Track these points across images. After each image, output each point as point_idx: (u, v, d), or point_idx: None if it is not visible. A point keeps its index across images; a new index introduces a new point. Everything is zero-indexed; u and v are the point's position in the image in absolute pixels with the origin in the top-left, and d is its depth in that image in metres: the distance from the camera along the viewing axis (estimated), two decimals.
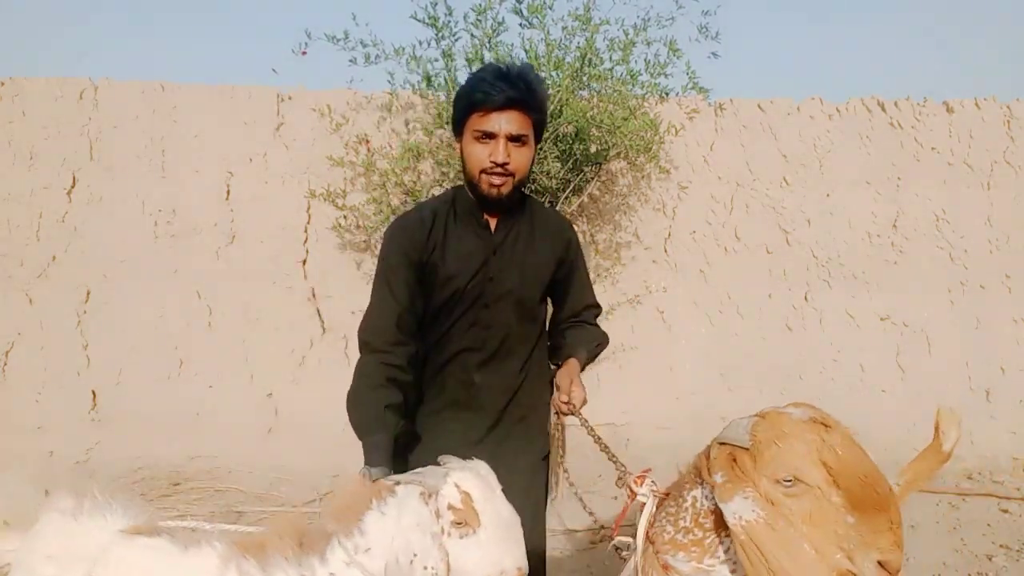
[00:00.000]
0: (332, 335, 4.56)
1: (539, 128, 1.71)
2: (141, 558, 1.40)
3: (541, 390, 1.90)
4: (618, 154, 4.04)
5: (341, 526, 1.37)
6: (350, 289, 4.58)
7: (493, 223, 1.76)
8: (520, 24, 3.75)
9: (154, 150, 4.50)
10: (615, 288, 4.69)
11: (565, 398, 1.72)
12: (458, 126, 1.70)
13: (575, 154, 3.88)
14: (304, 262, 4.59)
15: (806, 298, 4.92)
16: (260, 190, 4.56)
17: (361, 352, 1.68)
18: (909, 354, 4.87)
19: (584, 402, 1.74)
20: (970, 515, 3.87)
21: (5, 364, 4.30)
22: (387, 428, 1.55)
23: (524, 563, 1.37)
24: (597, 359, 1.89)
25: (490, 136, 1.63)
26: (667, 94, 3.94)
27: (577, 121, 3.71)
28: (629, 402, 4.80)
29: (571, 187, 3.95)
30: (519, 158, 1.65)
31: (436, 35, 3.81)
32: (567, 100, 3.66)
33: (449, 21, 3.77)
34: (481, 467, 1.42)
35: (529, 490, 1.85)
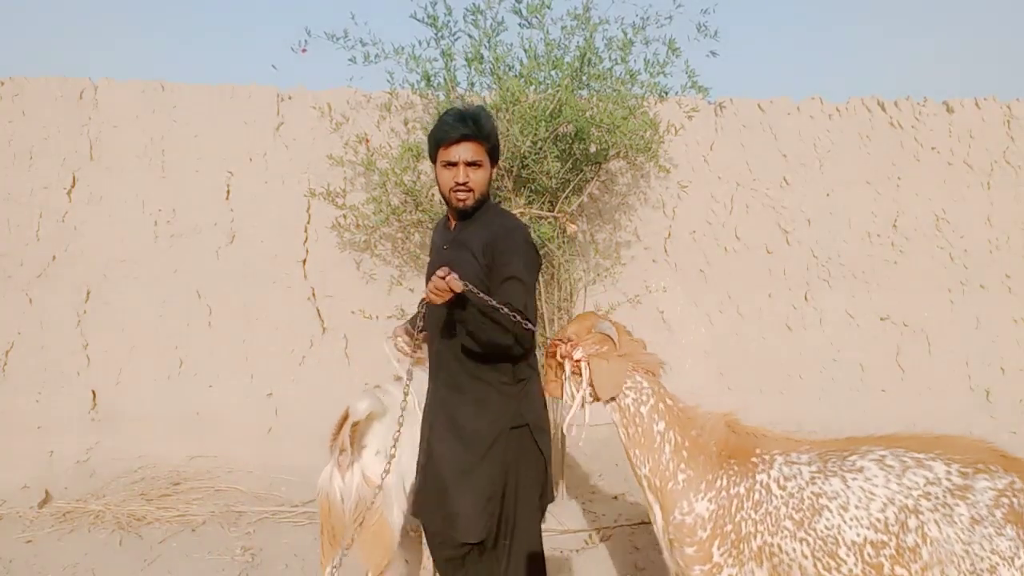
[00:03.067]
0: (332, 335, 4.56)
1: (493, 152, 2.21)
2: None
3: (493, 368, 2.16)
4: (617, 154, 4.04)
5: None
6: (350, 289, 4.58)
7: (455, 224, 2.26)
8: (519, 24, 3.76)
9: (154, 150, 4.50)
10: (615, 288, 4.69)
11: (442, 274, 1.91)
12: (432, 158, 2.23)
13: (575, 154, 3.88)
14: (304, 262, 4.59)
15: (806, 298, 4.92)
16: (260, 190, 4.56)
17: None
18: (909, 354, 4.87)
19: (456, 283, 1.90)
20: None
21: (5, 364, 4.29)
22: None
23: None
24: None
25: (453, 164, 2.14)
26: (666, 93, 3.94)
27: (576, 121, 3.71)
28: None
29: (571, 187, 3.95)
30: (476, 178, 2.16)
31: (436, 35, 3.81)
32: (566, 100, 3.66)
33: (448, 21, 3.78)
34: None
35: (456, 454, 2.15)
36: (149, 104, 4.51)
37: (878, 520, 1.70)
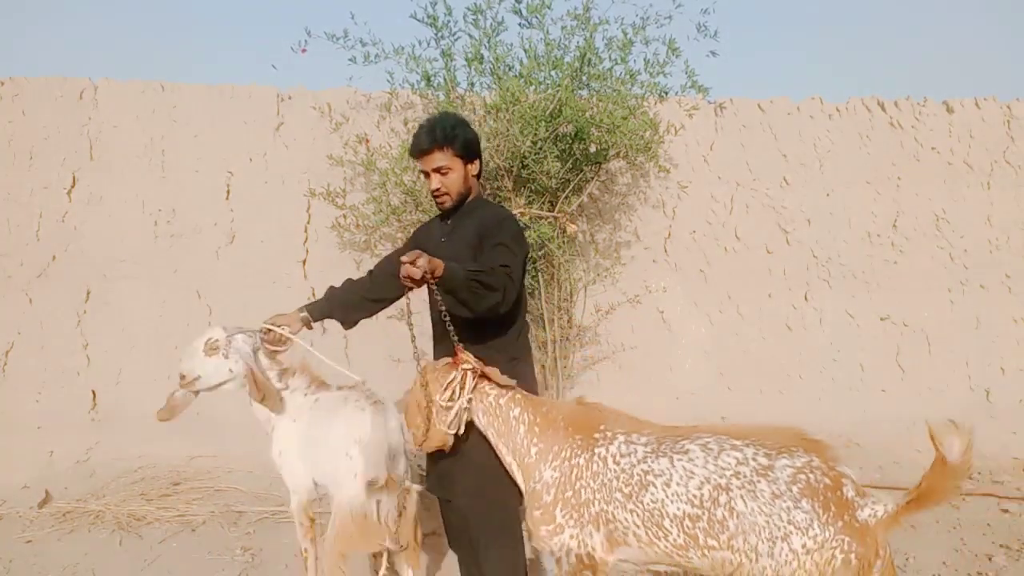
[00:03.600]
0: (332, 335, 4.56)
1: (466, 150, 2.34)
2: None
3: (488, 347, 2.29)
4: (617, 154, 4.04)
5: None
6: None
7: (449, 221, 2.47)
8: (519, 24, 3.76)
9: (154, 150, 4.50)
10: (615, 288, 4.69)
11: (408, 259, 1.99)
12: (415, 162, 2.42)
13: (575, 154, 3.88)
14: (304, 262, 4.59)
15: (806, 298, 4.92)
16: (260, 190, 4.56)
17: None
18: (909, 354, 4.87)
19: (429, 264, 1.97)
20: (970, 515, 3.87)
21: (5, 364, 4.30)
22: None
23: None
24: (482, 292, 2.07)
25: (427, 173, 2.36)
26: (666, 93, 3.94)
27: (576, 121, 3.71)
28: (629, 402, 4.75)
29: (571, 187, 3.96)
30: (448, 181, 2.36)
31: (436, 35, 3.82)
32: (567, 100, 3.66)
33: (448, 21, 3.78)
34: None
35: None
36: (149, 104, 4.51)
37: (695, 496, 1.87)
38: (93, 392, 4.33)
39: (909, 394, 4.84)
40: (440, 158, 2.32)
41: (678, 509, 1.88)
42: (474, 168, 2.41)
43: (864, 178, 4.93)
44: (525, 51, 3.73)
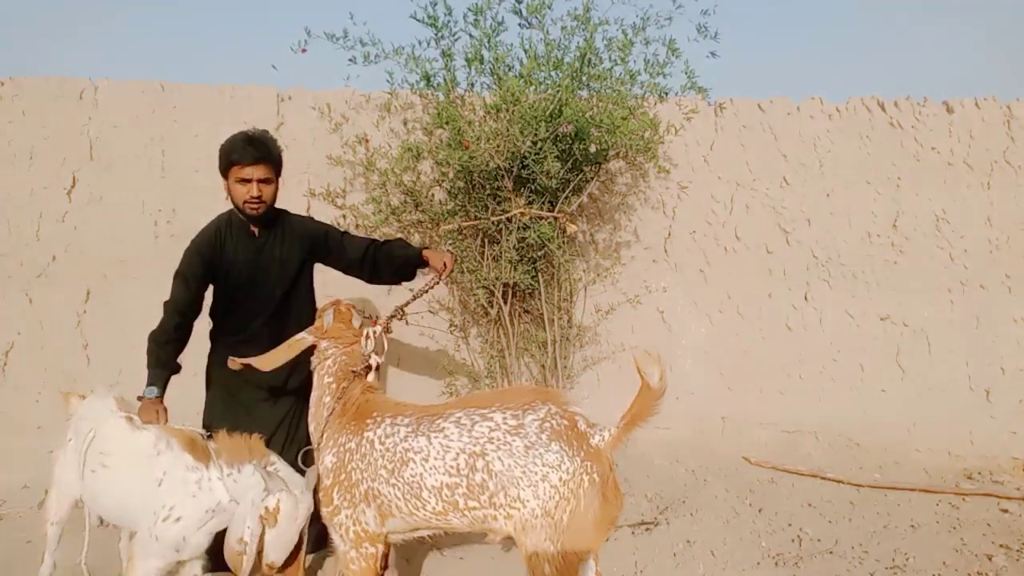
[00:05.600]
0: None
1: (278, 170, 2.79)
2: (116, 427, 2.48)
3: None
4: (617, 154, 4.04)
5: (230, 457, 2.27)
6: (350, 289, 4.58)
7: (258, 231, 2.83)
8: (519, 24, 3.76)
9: (154, 150, 4.50)
10: (615, 288, 4.69)
11: (447, 259, 2.87)
12: (224, 173, 2.74)
13: (575, 154, 3.88)
14: None
15: (806, 298, 4.92)
16: (265, 185, 4.55)
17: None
18: (909, 354, 4.87)
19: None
20: (970, 515, 3.87)
21: (5, 364, 4.30)
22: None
23: (279, 562, 2.23)
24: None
25: (247, 180, 2.68)
26: (666, 94, 3.94)
27: (577, 121, 3.71)
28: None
29: (571, 187, 3.96)
30: (267, 192, 2.74)
31: (435, 35, 3.81)
32: (567, 100, 3.66)
33: (448, 21, 3.78)
34: (300, 487, 2.27)
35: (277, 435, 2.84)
36: (149, 104, 4.51)
37: (452, 467, 2.15)
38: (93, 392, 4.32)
39: (909, 394, 4.84)
40: (264, 171, 2.70)
41: (436, 480, 2.16)
42: (279, 184, 2.83)
43: (864, 178, 4.93)
44: (525, 51, 3.73)
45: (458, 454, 2.14)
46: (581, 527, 2.06)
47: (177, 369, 2.73)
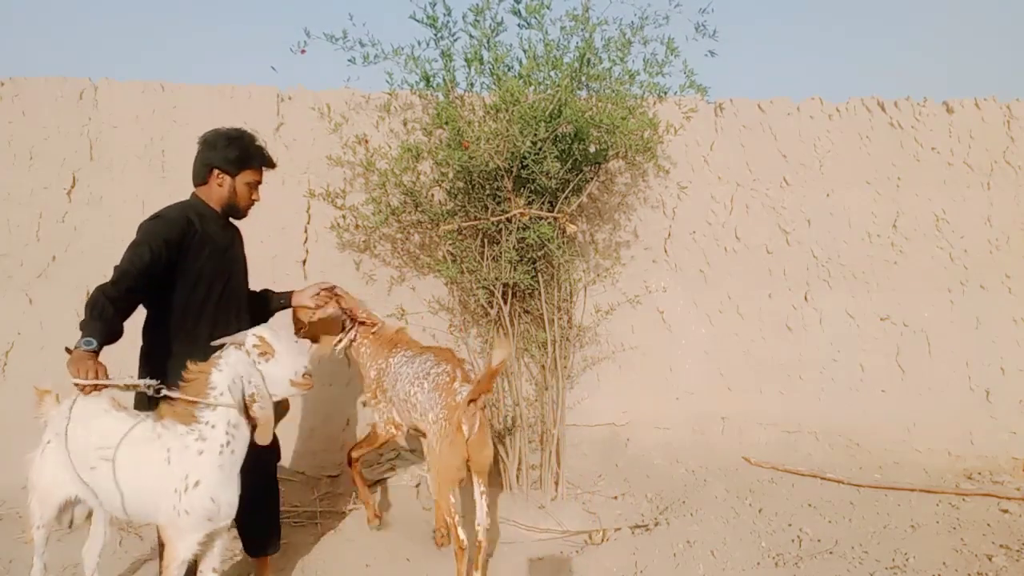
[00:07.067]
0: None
1: None
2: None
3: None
4: (616, 154, 4.04)
5: (199, 393, 2.33)
6: (350, 289, 4.56)
7: (225, 229, 2.83)
8: (518, 24, 3.75)
9: (154, 150, 4.50)
10: (615, 288, 4.69)
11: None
12: (234, 170, 2.75)
13: (574, 154, 3.88)
14: (304, 262, 4.59)
15: (806, 298, 4.92)
16: (260, 190, 4.55)
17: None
18: (909, 354, 4.87)
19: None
20: (970, 515, 3.87)
21: (5, 364, 4.30)
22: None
23: (308, 366, 2.45)
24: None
25: (255, 184, 2.83)
26: (665, 93, 3.94)
27: (576, 121, 3.71)
28: (629, 402, 4.80)
29: (571, 187, 3.95)
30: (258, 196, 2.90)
31: (435, 35, 3.81)
32: (566, 100, 3.65)
33: (448, 21, 3.77)
34: (266, 327, 2.51)
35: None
36: (149, 104, 4.51)
37: (406, 390, 3.22)
38: None
39: (909, 394, 4.84)
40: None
41: (403, 394, 3.21)
42: None
43: (864, 178, 4.93)
44: (524, 51, 3.73)
45: (408, 383, 3.20)
46: (445, 457, 2.97)
47: (118, 335, 2.31)
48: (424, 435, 3.21)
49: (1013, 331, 4.87)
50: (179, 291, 2.61)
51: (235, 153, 2.72)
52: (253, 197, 2.81)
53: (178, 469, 2.28)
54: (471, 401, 2.96)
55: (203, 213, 2.71)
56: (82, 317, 2.24)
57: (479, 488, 3.11)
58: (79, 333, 2.26)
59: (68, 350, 2.23)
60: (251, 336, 2.40)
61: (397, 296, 4.54)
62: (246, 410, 2.37)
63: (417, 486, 4.21)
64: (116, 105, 4.48)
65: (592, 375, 4.73)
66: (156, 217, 2.58)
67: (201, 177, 2.75)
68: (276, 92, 4.63)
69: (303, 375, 2.40)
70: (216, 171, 2.72)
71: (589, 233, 4.76)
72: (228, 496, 2.34)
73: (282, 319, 3.32)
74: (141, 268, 2.38)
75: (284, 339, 2.44)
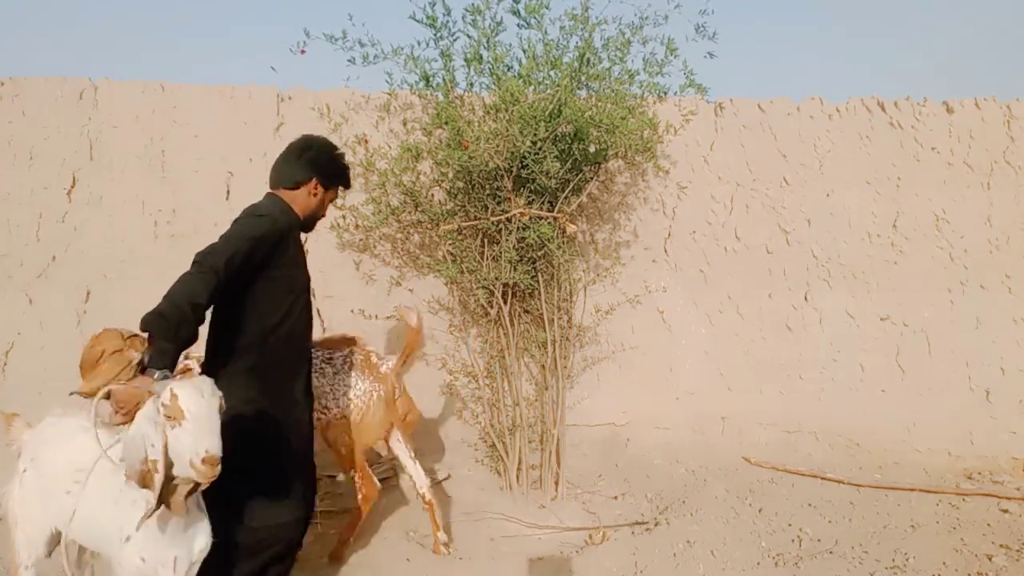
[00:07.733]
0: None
1: None
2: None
3: None
4: (616, 153, 4.04)
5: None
6: (350, 289, 4.58)
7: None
8: (518, 24, 3.75)
9: (154, 150, 4.50)
10: (615, 288, 4.69)
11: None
12: (327, 185, 2.67)
13: (574, 154, 3.88)
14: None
15: (806, 298, 4.91)
16: (260, 190, 4.49)
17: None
18: (909, 354, 4.87)
19: None
20: (970, 515, 3.87)
21: (5, 364, 4.30)
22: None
23: (216, 450, 1.81)
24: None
25: (333, 201, 2.77)
26: (665, 93, 3.94)
27: (576, 121, 3.71)
28: (629, 402, 4.80)
29: (570, 187, 3.96)
30: None
31: (434, 35, 3.81)
32: (566, 100, 3.66)
33: (447, 21, 3.77)
34: (202, 381, 1.89)
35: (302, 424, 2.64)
36: (149, 104, 4.51)
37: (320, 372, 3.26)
38: None
39: (909, 394, 4.83)
40: None
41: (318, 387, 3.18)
42: None
43: (864, 178, 4.93)
44: (524, 51, 3.73)
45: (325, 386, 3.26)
46: (370, 424, 3.22)
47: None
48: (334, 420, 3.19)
49: (1013, 331, 4.86)
50: (261, 297, 2.42)
51: (336, 168, 2.68)
52: (326, 215, 2.78)
53: (120, 514, 1.95)
54: (404, 362, 3.34)
55: (293, 225, 2.58)
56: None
57: (409, 452, 3.37)
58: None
59: (143, 367, 2.09)
60: (168, 388, 1.83)
61: (397, 296, 4.54)
62: (143, 478, 1.83)
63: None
64: (116, 105, 4.48)
65: (592, 375, 4.72)
66: (257, 215, 2.47)
67: (292, 182, 2.59)
68: (276, 92, 4.63)
69: (203, 459, 1.79)
70: (315, 180, 2.61)
71: (589, 233, 4.76)
72: (163, 558, 1.93)
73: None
74: (230, 266, 2.23)
75: (205, 403, 1.84)
